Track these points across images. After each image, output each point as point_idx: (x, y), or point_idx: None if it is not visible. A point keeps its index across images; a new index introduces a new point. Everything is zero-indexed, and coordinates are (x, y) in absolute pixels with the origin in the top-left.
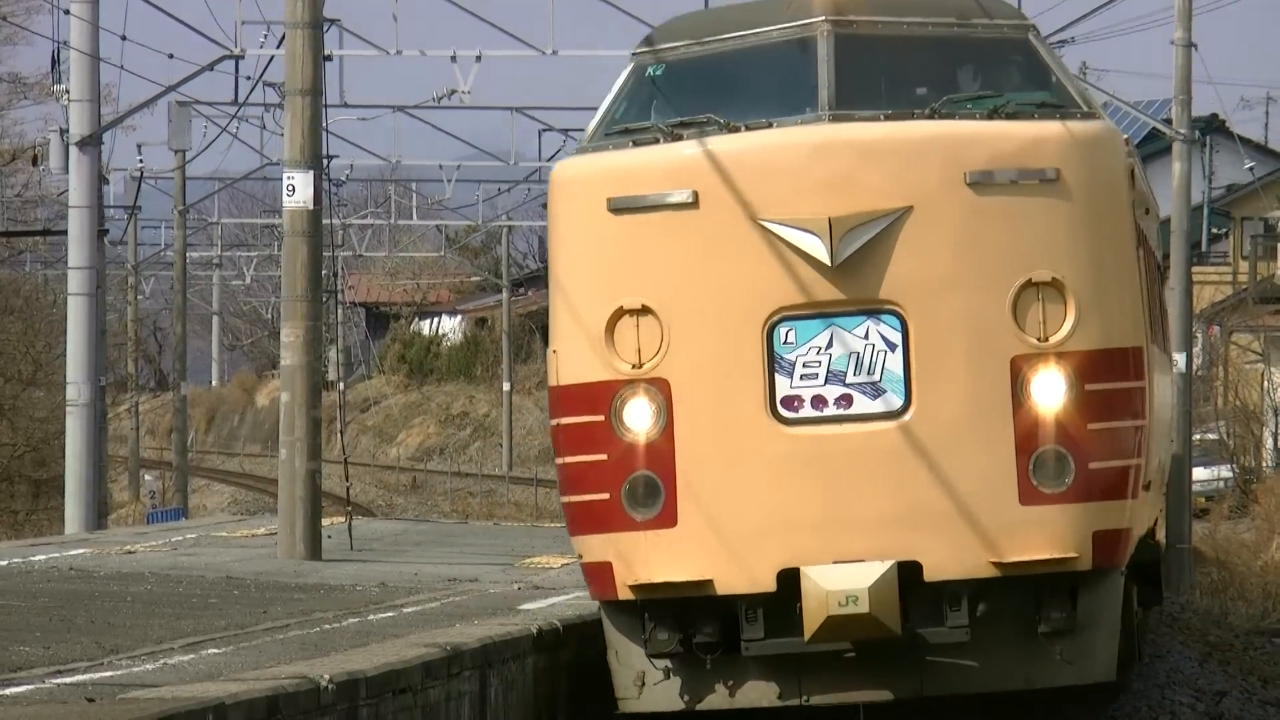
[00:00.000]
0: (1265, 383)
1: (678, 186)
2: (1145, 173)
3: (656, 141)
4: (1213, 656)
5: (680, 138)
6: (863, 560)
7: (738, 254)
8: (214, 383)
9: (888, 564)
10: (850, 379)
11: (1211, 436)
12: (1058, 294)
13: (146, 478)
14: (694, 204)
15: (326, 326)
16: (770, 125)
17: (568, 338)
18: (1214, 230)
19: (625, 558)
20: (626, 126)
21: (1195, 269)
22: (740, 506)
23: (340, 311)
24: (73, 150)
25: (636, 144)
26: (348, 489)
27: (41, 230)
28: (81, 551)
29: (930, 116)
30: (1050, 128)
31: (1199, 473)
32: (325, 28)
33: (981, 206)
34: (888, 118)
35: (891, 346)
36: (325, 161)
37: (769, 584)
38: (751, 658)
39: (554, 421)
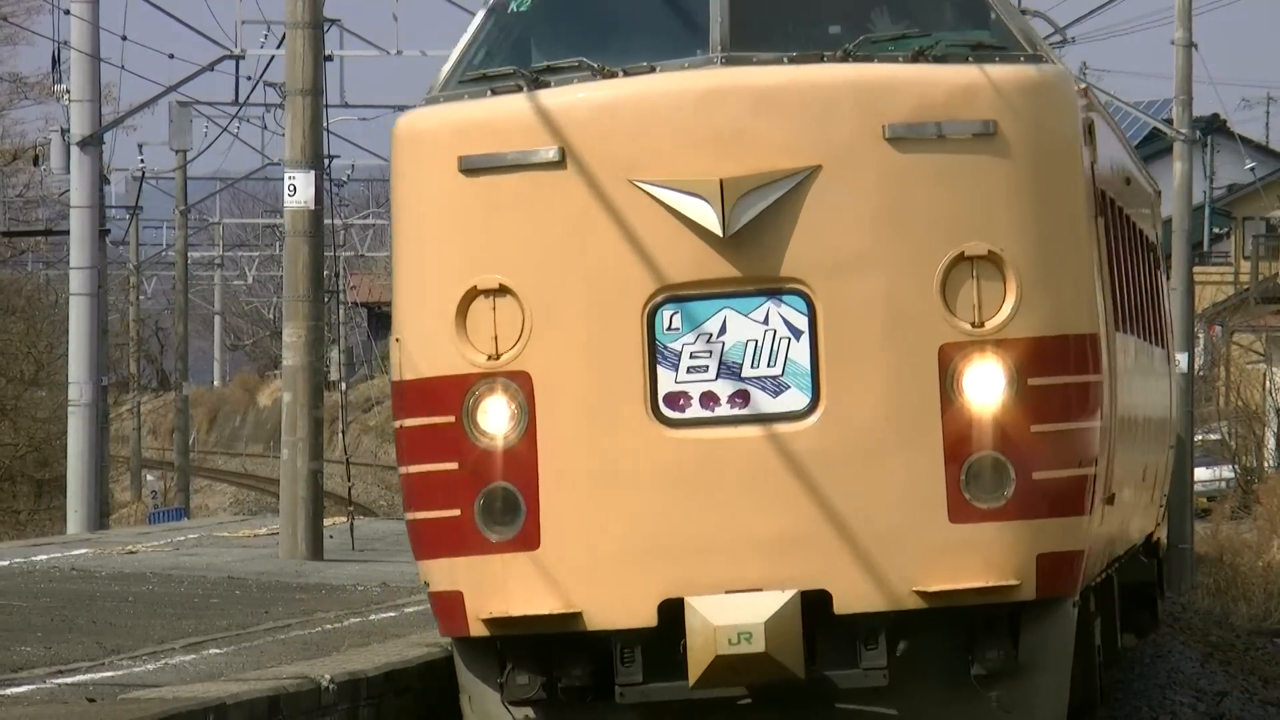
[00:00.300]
0: (1267, 383)
1: (541, 143)
2: (1125, 137)
3: (519, 89)
4: (1214, 657)
5: (546, 85)
6: (760, 589)
7: (612, 223)
8: (216, 383)
9: (789, 594)
10: (747, 372)
11: (1213, 437)
12: (995, 270)
13: (148, 478)
14: (560, 163)
15: (328, 327)
16: (653, 69)
17: (413, 324)
18: (1215, 230)
19: (478, 586)
20: (484, 72)
21: (1197, 269)
22: (614, 525)
23: (342, 312)
24: (74, 150)
25: (495, 92)
26: (349, 489)
27: (43, 230)
28: (83, 551)
29: (843, 59)
30: (986, 73)
31: (1201, 473)
32: (325, 28)
33: (904, 166)
34: (792, 60)
35: (796, 333)
36: (326, 161)
37: (648, 617)
38: (628, 705)
39: (397, 423)
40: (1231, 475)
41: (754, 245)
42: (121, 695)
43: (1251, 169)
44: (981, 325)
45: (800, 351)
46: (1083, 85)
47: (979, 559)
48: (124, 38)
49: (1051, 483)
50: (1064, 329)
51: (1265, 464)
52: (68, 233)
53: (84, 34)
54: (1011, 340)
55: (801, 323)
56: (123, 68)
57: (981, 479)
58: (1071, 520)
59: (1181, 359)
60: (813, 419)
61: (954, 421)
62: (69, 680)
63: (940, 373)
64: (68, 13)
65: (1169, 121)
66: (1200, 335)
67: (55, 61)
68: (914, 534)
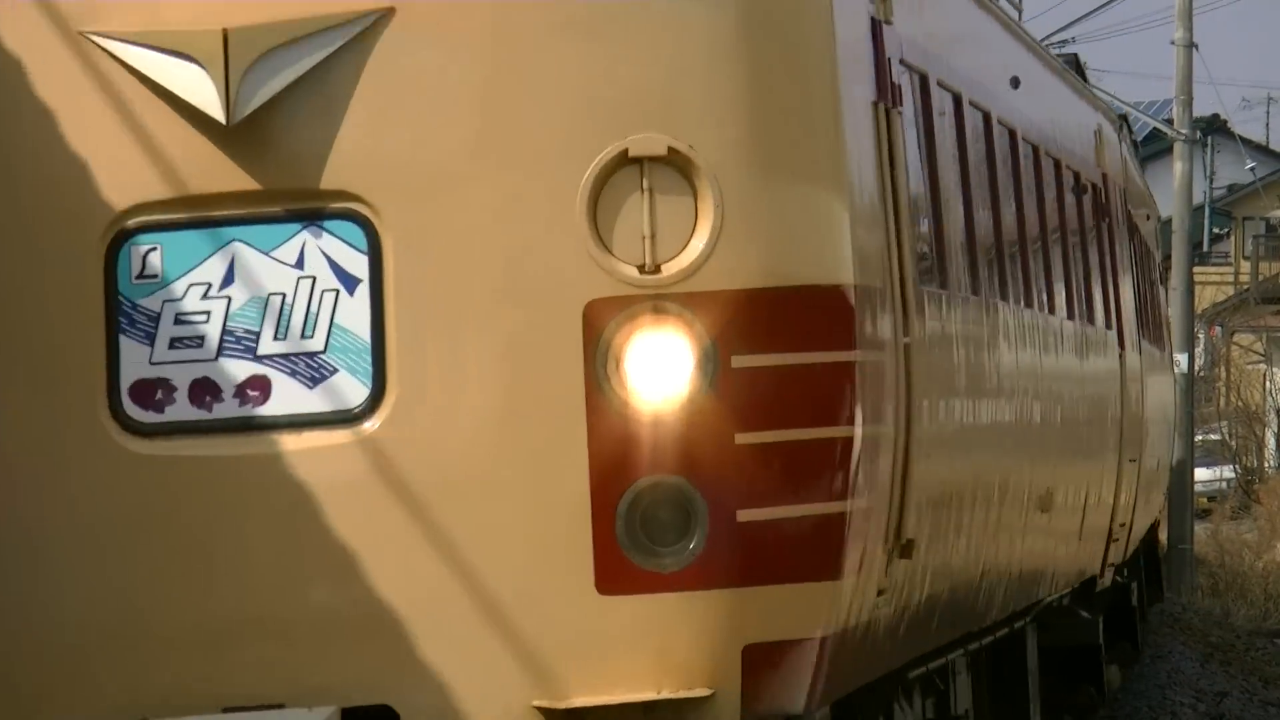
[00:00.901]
0: (1267, 383)
1: None
2: (1010, 16)
3: None
4: (1214, 657)
5: None
6: (278, 706)
7: (51, 103)
8: None
9: (324, 713)
10: (268, 347)
11: (1214, 437)
12: (680, 181)
13: None
14: None
15: None
16: None
17: None
18: (1215, 230)
19: None
20: None
21: (1197, 269)
22: (44, 598)
23: None
24: None
25: None
26: None
27: None
28: None
29: None
30: None
31: (1201, 473)
32: None
33: (530, 11)
34: None
35: (349, 284)
36: None
37: None
38: None
39: None
40: (1232, 475)
41: (280, 139)
42: None
43: (1251, 169)
44: (656, 270)
45: (355, 313)
46: None
47: (646, 653)
48: None
49: (771, 527)
50: (795, 278)
51: (1265, 464)
52: None
53: None
54: (706, 295)
55: (359, 266)
56: None
57: (652, 523)
58: (806, 589)
59: (1181, 359)
60: (374, 424)
61: (608, 427)
62: None
63: (586, 348)
64: None
65: (1169, 121)
66: (1200, 335)
67: None
68: (538, 613)
